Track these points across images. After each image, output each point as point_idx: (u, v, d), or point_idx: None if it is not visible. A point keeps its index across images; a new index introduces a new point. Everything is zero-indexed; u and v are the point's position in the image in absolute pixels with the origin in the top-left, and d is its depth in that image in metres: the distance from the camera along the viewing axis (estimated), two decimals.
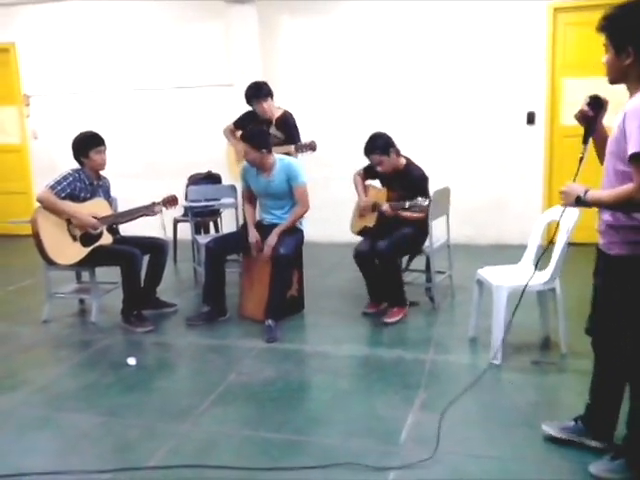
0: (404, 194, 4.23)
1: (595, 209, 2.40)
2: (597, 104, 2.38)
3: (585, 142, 2.43)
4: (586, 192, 2.30)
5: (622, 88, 2.29)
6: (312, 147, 4.90)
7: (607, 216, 2.32)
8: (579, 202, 2.32)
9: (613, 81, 2.30)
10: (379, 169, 4.40)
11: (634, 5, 2.19)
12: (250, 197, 4.63)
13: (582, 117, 2.41)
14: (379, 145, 4.33)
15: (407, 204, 4.14)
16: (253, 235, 4.44)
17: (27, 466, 2.71)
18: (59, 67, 7.57)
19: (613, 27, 2.21)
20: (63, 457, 2.79)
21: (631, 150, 2.10)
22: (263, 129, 4.60)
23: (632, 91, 2.25)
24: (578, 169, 2.45)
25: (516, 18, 6.17)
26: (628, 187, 2.16)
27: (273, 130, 4.91)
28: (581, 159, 2.44)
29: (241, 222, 5.28)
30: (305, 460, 2.67)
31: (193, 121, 7.19)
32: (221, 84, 6.90)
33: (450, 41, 6.39)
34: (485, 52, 6.32)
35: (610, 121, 2.37)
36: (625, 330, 2.38)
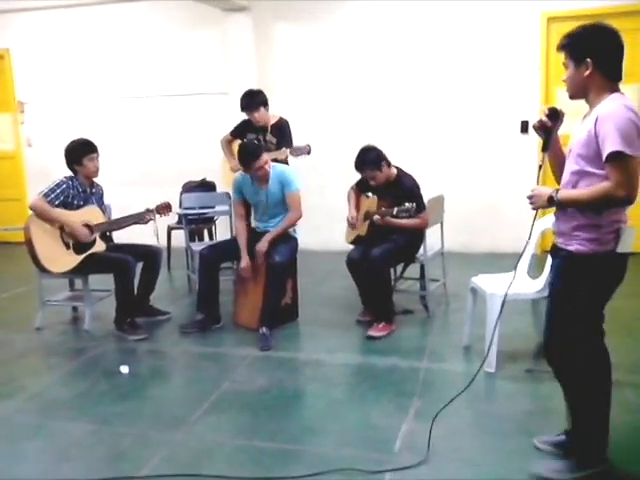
0: (395, 202, 4.21)
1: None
2: (555, 115, 2.49)
3: (545, 150, 2.56)
4: (557, 192, 2.39)
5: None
6: (307, 151, 4.90)
7: (575, 217, 2.37)
8: (551, 202, 2.40)
9: (573, 96, 2.43)
10: (372, 183, 4.40)
11: (593, 25, 2.36)
12: (243, 213, 4.56)
13: (540, 127, 2.52)
14: (370, 160, 4.31)
15: (395, 210, 4.13)
16: (245, 261, 4.41)
17: (18, 474, 2.69)
18: (54, 74, 7.57)
19: (573, 43, 2.36)
20: (55, 465, 2.77)
21: (609, 149, 2.20)
22: (253, 142, 4.57)
23: (593, 102, 2.37)
24: (538, 176, 2.63)
25: (510, 28, 6.21)
26: (605, 185, 2.24)
27: (269, 137, 4.91)
28: (540, 167, 2.61)
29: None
30: (299, 469, 2.65)
31: (188, 129, 7.19)
32: (216, 92, 6.91)
33: (444, 50, 6.42)
34: (479, 61, 6.35)
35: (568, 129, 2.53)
36: (577, 330, 2.43)
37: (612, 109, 2.24)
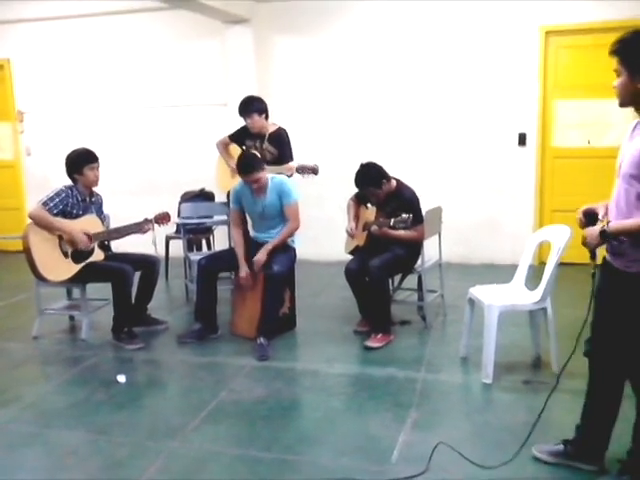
0: (394, 213, 4.22)
1: None
2: (590, 217, 2.45)
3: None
4: (608, 224, 2.31)
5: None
6: (314, 170, 4.92)
7: (634, 240, 2.29)
8: (604, 236, 2.31)
9: (623, 104, 2.33)
10: (374, 200, 4.43)
11: None
12: (240, 222, 4.56)
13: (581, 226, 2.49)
14: (371, 179, 4.34)
15: (392, 222, 4.15)
16: (244, 270, 4.42)
17: None
18: (54, 84, 7.59)
19: (628, 51, 2.24)
20: (51, 475, 2.77)
21: None
22: (253, 153, 4.58)
23: None
24: None
25: (508, 41, 6.24)
26: None
27: (266, 145, 4.93)
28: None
29: None
30: (296, 479, 2.65)
31: (187, 139, 7.21)
32: (216, 103, 6.94)
33: (443, 62, 6.45)
34: (478, 74, 6.38)
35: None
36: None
37: None
